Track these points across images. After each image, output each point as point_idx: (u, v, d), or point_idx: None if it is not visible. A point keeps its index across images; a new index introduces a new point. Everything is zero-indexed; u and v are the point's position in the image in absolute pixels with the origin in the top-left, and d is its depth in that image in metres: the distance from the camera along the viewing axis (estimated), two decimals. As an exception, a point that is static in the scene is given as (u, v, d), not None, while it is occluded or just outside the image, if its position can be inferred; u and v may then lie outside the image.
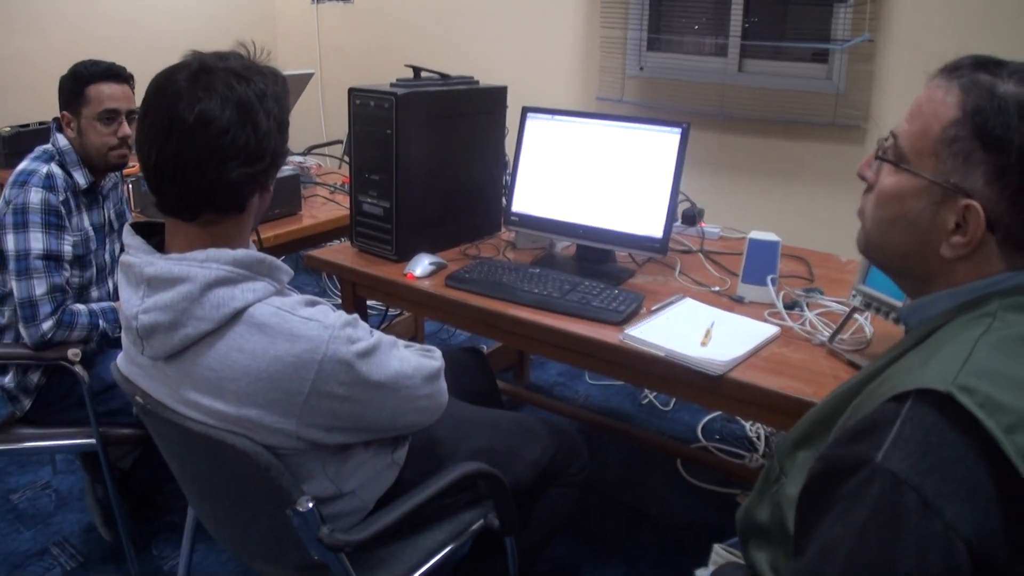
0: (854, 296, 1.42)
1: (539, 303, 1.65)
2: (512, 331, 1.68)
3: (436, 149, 1.93)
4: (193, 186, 1.04)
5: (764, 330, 1.52)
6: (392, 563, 1.33)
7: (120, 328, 1.22)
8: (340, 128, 2.45)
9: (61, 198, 1.78)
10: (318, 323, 1.06)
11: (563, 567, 2.00)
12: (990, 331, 0.78)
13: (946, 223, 0.84)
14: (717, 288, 1.78)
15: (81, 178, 1.84)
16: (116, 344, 1.83)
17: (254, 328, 1.04)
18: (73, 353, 1.72)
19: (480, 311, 1.69)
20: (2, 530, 2.10)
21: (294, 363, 1.04)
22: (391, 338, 1.19)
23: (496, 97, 2.09)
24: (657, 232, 1.80)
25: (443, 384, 1.28)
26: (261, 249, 1.21)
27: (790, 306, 1.63)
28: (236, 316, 1.04)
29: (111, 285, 1.98)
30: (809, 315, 1.58)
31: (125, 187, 2.18)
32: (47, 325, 1.73)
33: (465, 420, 1.51)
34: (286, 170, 2.38)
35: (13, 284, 1.74)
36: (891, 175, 0.89)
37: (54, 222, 1.76)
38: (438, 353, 1.30)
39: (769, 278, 1.65)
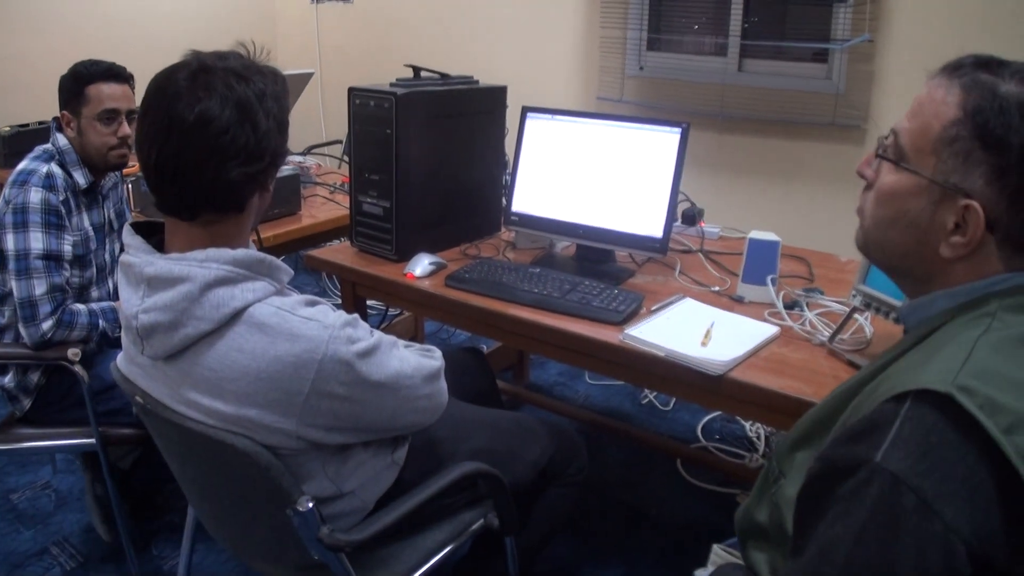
0: (854, 296, 1.42)
1: (539, 303, 1.65)
2: (512, 331, 1.68)
3: (436, 149, 1.93)
4: (193, 186, 1.04)
5: (764, 330, 1.52)
6: (392, 563, 1.33)
7: (120, 328, 1.22)
8: (340, 128, 2.45)
9: (61, 198, 1.78)
10: (318, 323, 1.06)
11: (563, 567, 2.00)
12: (989, 331, 0.78)
13: (945, 223, 0.83)
14: (717, 288, 1.78)
15: (81, 178, 1.84)
16: (116, 344, 1.83)
17: (254, 328, 1.04)
18: (73, 353, 1.72)
19: (480, 311, 1.69)
20: (2, 530, 2.10)
21: (294, 363, 1.04)
22: (391, 338, 1.19)
23: (496, 97, 2.09)
24: (657, 232, 1.80)
25: (443, 384, 1.28)
26: (261, 249, 1.21)
27: (790, 306, 1.63)
28: (236, 316, 1.04)
29: (111, 285, 1.98)
30: (809, 315, 1.58)
31: (125, 187, 2.17)
32: (47, 325, 1.73)
33: (465, 420, 1.51)
34: (286, 170, 2.38)
35: (13, 284, 1.74)
36: (891, 173, 0.89)
37: (54, 222, 1.76)
38: (438, 353, 1.30)
39: (769, 278, 1.65)
